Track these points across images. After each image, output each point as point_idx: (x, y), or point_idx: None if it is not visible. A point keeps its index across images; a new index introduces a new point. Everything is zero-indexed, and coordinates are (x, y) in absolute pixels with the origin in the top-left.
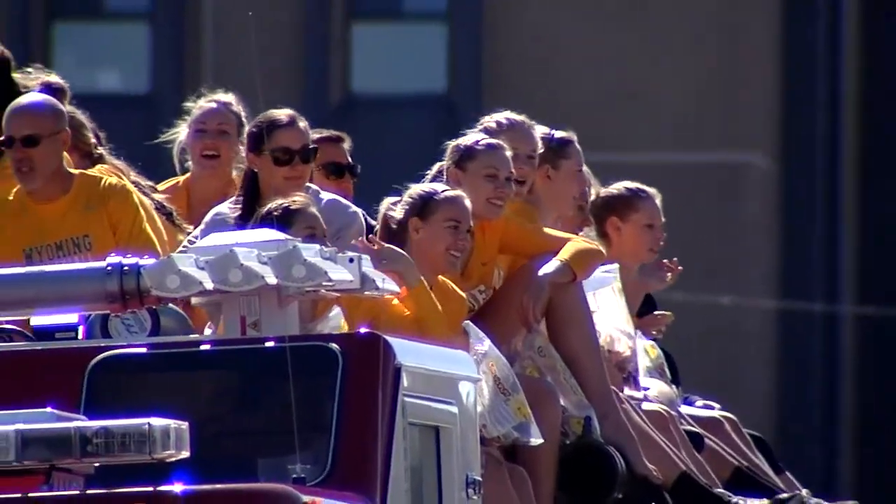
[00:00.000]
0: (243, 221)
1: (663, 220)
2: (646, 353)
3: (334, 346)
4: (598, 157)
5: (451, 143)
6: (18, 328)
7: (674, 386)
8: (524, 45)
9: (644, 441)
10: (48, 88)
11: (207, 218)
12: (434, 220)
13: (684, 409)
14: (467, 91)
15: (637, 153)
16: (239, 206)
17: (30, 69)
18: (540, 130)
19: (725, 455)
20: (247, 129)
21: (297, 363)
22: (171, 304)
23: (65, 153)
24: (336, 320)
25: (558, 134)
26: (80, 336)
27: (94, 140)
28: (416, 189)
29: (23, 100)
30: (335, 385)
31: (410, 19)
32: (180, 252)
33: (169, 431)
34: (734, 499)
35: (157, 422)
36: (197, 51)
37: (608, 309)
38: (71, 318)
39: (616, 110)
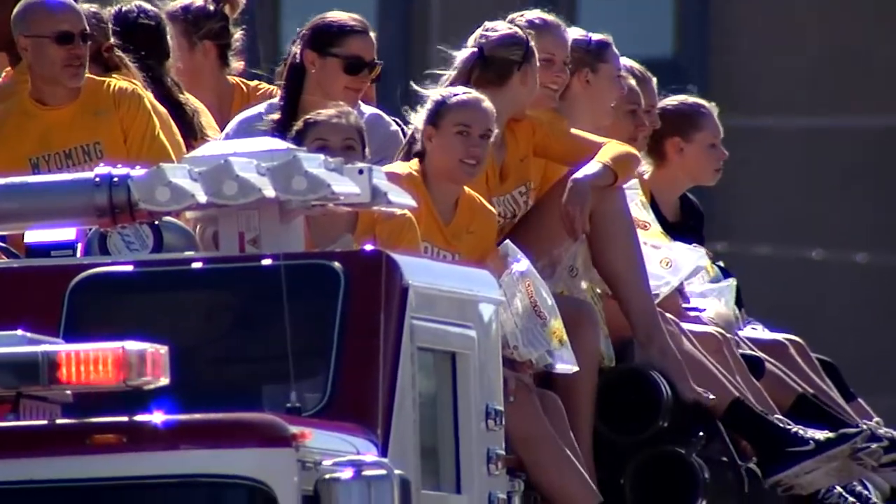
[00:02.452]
0: (282, 127)
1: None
2: (705, 270)
3: (336, 264)
4: (823, 121)
5: (507, 31)
6: (4, 245)
7: (735, 308)
8: (751, 8)
9: (693, 366)
10: None
11: (233, 124)
12: (444, 126)
13: (746, 333)
14: (694, 55)
15: (861, 116)
16: (275, 112)
17: None
18: (576, 33)
19: (788, 381)
20: (309, 24)
21: (296, 283)
22: (172, 219)
23: None
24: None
25: (595, 36)
26: (78, 254)
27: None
28: (433, 93)
29: None
30: (336, 306)
31: None
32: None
33: (145, 356)
34: (793, 428)
35: (133, 345)
36: (424, 8)
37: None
38: (68, 234)
39: (841, 74)
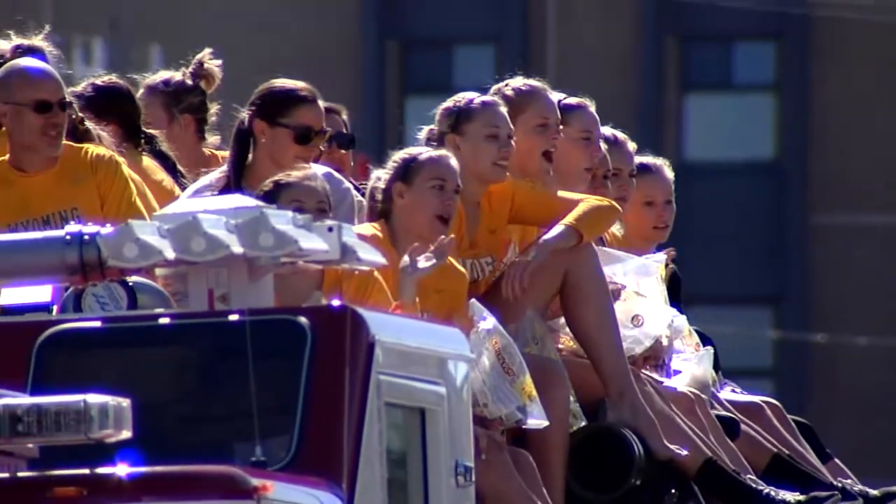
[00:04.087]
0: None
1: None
2: (684, 332)
3: (302, 319)
4: None
5: (441, 107)
6: None
7: (712, 370)
8: (852, 113)
9: (666, 425)
10: (20, 49)
11: (187, 193)
12: (418, 182)
13: (723, 395)
14: (794, 157)
15: None
16: (224, 174)
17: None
18: (554, 97)
19: (764, 442)
20: (258, 92)
21: (262, 338)
22: (147, 280)
23: None
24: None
25: (568, 99)
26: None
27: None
28: (399, 154)
29: (37, 63)
30: (302, 361)
31: (740, 90)
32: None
33: (107, 409)
34: (765, 489)
35: (94, 398)
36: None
37: (654, 299)
38: (44, 296)
39: None
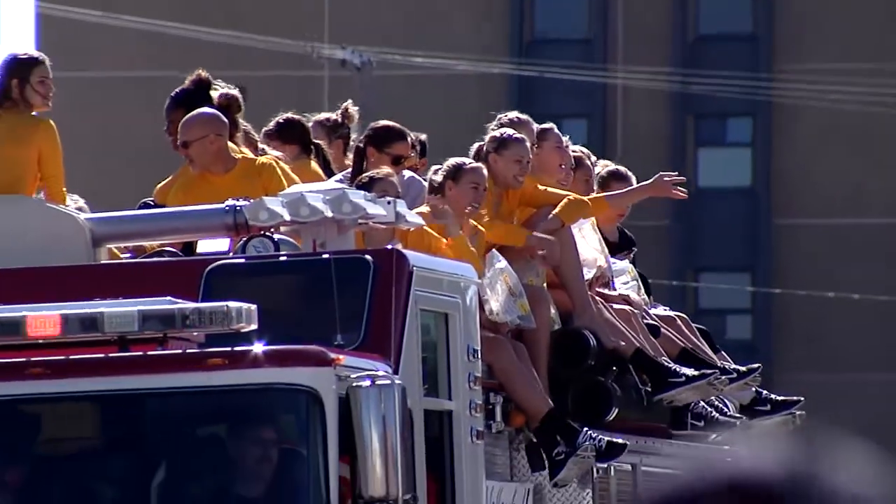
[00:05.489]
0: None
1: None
2: (627, 272)
3: (367, 257)
4: (848, 221)
5: (491, 133)
6: (176, 250)
7: (645, 296)
8: (797, 158)
9: (611, 328)
10: (224, 96)
11: (337, 177)
12: (462, 182)
13: (654, 311)
14: (763, 187)
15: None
16: (348, 177)
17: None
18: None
19: (676, 340)
20: (372, 128)
21: (343, 270)
22: (288, 238)
23: (234, 145)
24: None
25: (542, 125)
26: None
27: (258, 139)
28: (451, 161)
29: (194, 112)
30: (367, 283)
31: (731, 145)
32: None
33: (241, 311)
34: (673, 366)
35: (233, 304)
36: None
37: (588, 237)
38: (223, 246)
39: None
